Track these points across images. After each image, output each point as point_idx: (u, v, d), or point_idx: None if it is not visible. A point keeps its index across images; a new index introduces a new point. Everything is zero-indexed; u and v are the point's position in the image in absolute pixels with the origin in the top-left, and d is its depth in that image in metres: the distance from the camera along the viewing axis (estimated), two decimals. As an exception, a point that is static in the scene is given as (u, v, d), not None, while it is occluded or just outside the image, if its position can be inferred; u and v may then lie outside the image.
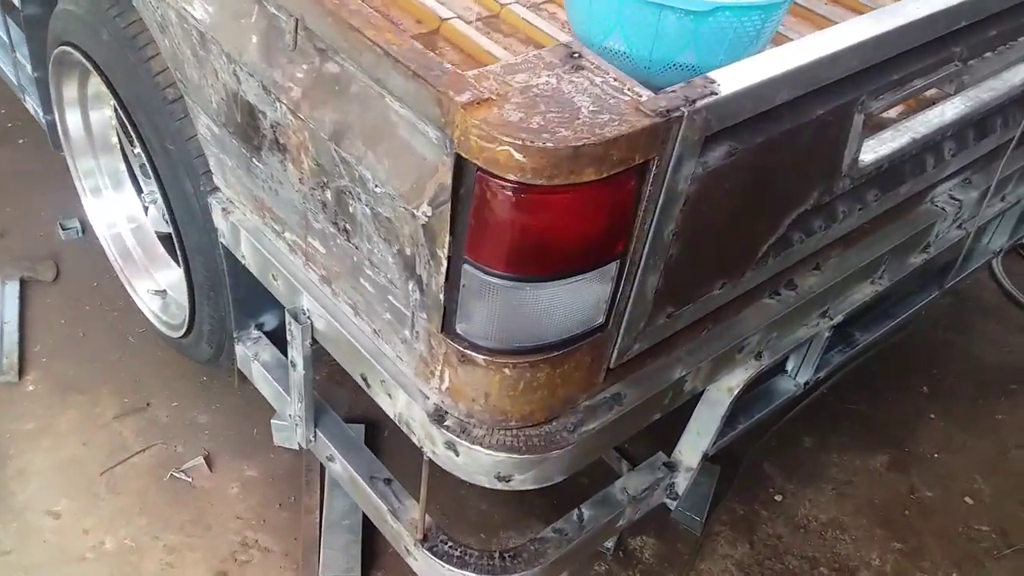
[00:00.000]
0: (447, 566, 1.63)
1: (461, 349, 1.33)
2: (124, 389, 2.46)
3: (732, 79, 1.24)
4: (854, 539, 2.34)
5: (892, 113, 1.87)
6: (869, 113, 1.52)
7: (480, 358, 1.33)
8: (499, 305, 1.26)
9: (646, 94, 1.19)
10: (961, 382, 2.81)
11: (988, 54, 1.78)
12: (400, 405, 1.50)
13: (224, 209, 1.80)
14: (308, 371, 1.72)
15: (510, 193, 1.13)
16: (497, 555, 1.65)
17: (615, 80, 1.21)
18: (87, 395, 2.44)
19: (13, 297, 2.66)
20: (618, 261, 1.29)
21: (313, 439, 1.85)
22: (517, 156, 1.08)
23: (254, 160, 1.62)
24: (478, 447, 1.41)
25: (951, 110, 1.82)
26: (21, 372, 2.47)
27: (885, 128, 1.74)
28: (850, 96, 1.47)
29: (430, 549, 1.64)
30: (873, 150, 1.68)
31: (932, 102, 1.84)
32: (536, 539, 1.70)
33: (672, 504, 1.92)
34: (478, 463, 1.42)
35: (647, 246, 1.31)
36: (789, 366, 2.02)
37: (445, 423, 1.43)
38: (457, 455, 1.43)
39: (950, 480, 2.52)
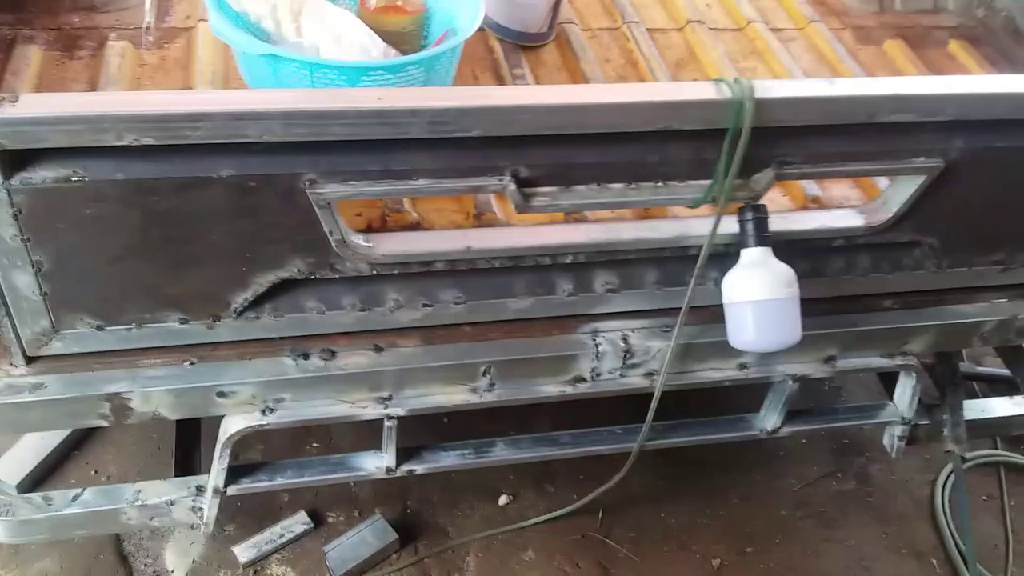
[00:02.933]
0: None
1: None
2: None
3: (40, 103, 1.29)
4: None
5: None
6: (320, 194, 1.44)
7: None
8: None
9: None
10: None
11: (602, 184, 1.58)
12: None
13: None
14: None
15: None
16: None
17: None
18: None
19: None
20: (-50, 247, 1.38)
21: None
22: None
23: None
24: None
25: (537, 236, 1.65)
26: None
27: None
28: (284, 169, 1.42)
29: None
30: (406, 243, 1.58)
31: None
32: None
33: (202, 528, 1.91)
34: None
35: (-14, 243, 1.38)
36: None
37: None
38: None
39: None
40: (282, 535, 2.31)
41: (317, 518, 2.36)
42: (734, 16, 2.41)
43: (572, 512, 2.35)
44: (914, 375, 2.04)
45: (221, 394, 1.66)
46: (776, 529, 2.51)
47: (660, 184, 1.60)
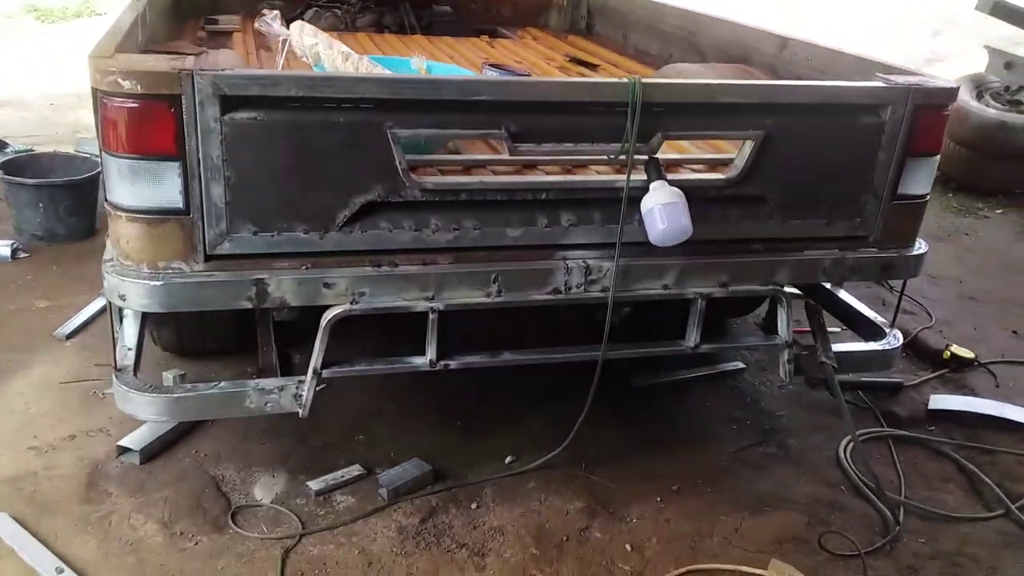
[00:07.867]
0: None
1: (106, 198, 2.45)
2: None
3: (246, 70, 2.33)
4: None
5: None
6: (396, 134, 2.45)
7: (108, 206, 2.43)
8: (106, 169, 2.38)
9: (186, 61, 2.31)
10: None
11: (560, 144, 2.62)
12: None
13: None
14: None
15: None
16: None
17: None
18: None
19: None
20: (178, 163, 2.35)
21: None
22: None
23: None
24: (108, 271, 2.46)
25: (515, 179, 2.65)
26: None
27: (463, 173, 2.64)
28: (375, 118, 2.44)
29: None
30: (442, 178, 2.59)
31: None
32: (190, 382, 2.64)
33: (300, 412, 2.67)
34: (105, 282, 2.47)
35: (200, 161, 2.35)
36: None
37: (108, 258, 2.50)
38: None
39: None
40: (343, 476, 3.02)
41: (367, 469, 3.09)
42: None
43: (561, 451, 3.07)
44: (784, 302, 2.97)
45: (326, 285, 2.54)
46: (719, 471, 3.26)
47: (594, 144, 2.65)
